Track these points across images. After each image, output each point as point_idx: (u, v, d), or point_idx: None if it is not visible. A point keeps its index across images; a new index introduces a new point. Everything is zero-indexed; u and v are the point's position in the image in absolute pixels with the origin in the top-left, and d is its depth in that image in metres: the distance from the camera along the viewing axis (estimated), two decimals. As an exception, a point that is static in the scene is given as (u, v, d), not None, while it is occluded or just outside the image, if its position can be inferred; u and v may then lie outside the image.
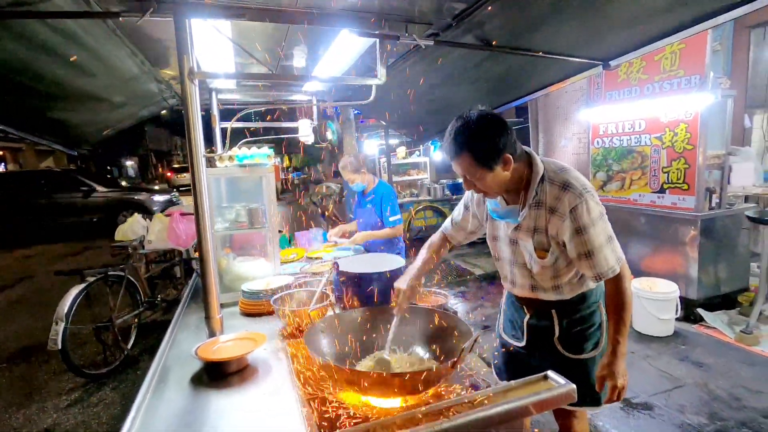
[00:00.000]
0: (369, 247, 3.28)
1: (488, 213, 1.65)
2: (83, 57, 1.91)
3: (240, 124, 3.24)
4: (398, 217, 3.28)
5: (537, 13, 1.80)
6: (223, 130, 3.31)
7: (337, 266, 1.93)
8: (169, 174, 28.12)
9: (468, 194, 1.76)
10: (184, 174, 24.36)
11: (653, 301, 3.68)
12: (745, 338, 3.51)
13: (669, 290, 3.70)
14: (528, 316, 1.69)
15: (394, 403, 1.29)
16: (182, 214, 4.13)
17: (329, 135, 8.96)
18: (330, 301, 1.87)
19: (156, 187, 13.80)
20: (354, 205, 3.68)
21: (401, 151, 9.31)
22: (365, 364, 1.49)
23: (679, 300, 3.69)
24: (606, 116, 4.64)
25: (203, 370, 1.53)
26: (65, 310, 3.16)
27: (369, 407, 1.28)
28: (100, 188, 10.65)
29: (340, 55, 2.31)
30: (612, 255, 1.43)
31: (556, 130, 6.37)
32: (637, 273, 4.12)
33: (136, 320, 4.01)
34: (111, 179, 12.90)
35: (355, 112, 8.15)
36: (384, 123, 6.05)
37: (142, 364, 3.77)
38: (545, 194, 1.44)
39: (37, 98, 2.22)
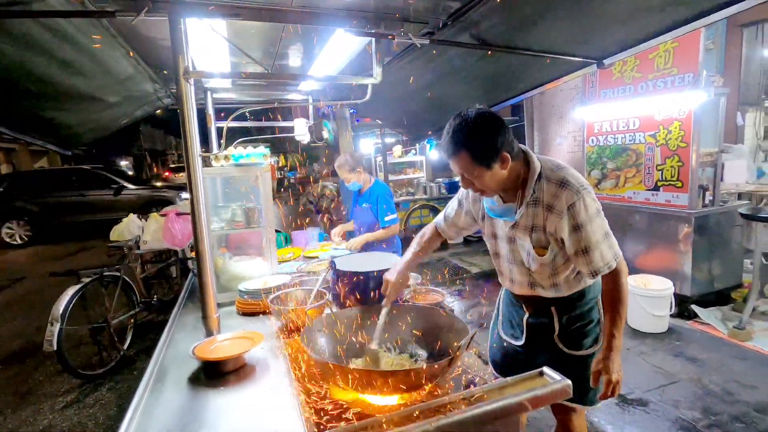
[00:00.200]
0: (366, 246, 3.28)
1: (485, 211, 1.65)
2: (77, 57, 1.90)
3: (236, 124, 3.23)
4: (394, 216, 3.28)
5: (531, 12, 1.81)
6: (219, 130, 3.31)
7: (334, 265, 1.93)
8: (167, 173, 28.31)
9: (462, 190, 1.76)
10: (182, 173, 24.78)
11: (648, 298, 3.71)
12: (738, 334, 3.54)
13: (663, 287, 3.73)
14: (527, 315, 1.70)
15: (391, 400, 1.30)
16: (178, 214, 4.11)
17: (325, 134, 8.94)
18: (327, 299, 1.87)
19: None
20: (351, 204, 3.68)
21: (397, 149, 9.31)
22: (361, 362, 1.50)
23: (673, 297, 3.72)
24: (601, 114, 4.66)
25: (201, 369, 1.53)
26: (60, 311, 3.14)
27: (366, 405, 1.28)
28: (129, 186, 10.74)
29: (336, 54, 2.32)
30: (609, 251, 1.44)
31: (551, 129, 6.39)
32: (632, 270, 4.15)
33: (132, 321, 4.00)
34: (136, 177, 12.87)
35: (351, 111, 8.14)
36: (380, 122, 6.06)
37: (139, 364, 3.75)
38: (542, 192, 1.45)
39: (30, 98, 2.20)
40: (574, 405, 1.64)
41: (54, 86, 2.12)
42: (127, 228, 4.29)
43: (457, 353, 1.29)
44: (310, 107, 3.64)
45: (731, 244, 4.08)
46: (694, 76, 3.72)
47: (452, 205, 1.81)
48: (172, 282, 4.90)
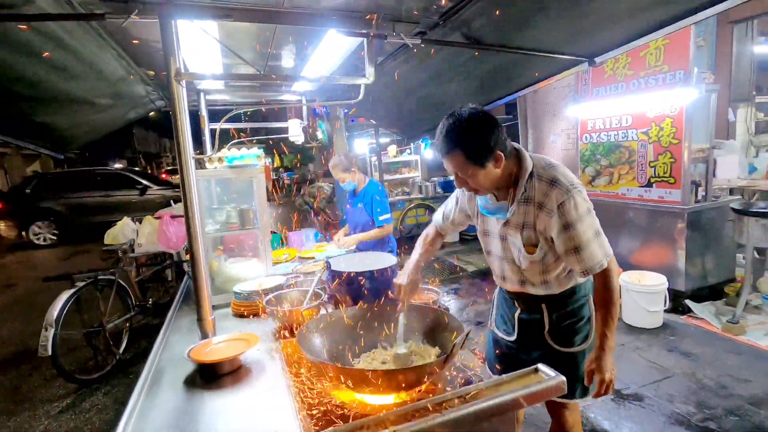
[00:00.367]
0: (361, 246, 3.29)
1: (479, 209, 1.66)
2: (68, 59, 1.89)
3: (229, 125, 3.22)
4: (388, 216, 3.29)
5: (523, 11, 1.82)
6: (212, 131, 3.29)
7: (329, 265, 1.93)
8: (164, 175, 28.59)
9: (458, 189, 1.78)
10: (177, 176, 25.11)
11: (642, 294, 3.74)
12: (731, 328, 3.58)
13: (657, 282, 3.76)
14: (519, 311, 1.71)
15: (387, 399, 1.30)
16: (172, 217, 4.10)
17: (319, 134, 8.94)
18: (322, 300, 1.87)
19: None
20: (345, 204, 3.68)
21: (392, 149, 9.33)
22: (361, 362, 1.50)
23: (667, 292, 3.75)
24: (593, 112, 4.69)
25: (196, 371, 1.53)
26: (55, 316, 3.12)
27: (362, 404, 1.29)
28: (153, 186, 10.80)
29: (329, 54, 2.32)
30: (599, 250, 1.45)
31: (545, 127, 6.42)
32: (626, 266, 4.18)
33: (127, 324, 3.98)
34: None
35: (345, 111, 8.14)
36: (374, 122, 6.06)
37: (135, 368, 3.73)
38: (534, 190, 1.46)
39: (21, 102, 2.18)
40: (565, 401, 1.65)
41: (45, 89, 2.10)
42: (122, 231, 4.27)
43: (453, 351, 1.29)
44: (304, 108, 3.63)
45: (724, 239, 4.12)
46: (685, 73, 3.75)
47: (450, 203, 1.84)
48: (168, 285, 4.87)
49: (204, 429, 1.22)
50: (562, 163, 1.54)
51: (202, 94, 3.10)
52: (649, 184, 4.20)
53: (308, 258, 3.06)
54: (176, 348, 1.76)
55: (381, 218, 3.26)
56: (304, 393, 1.34)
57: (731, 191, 4.70)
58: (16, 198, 10.03)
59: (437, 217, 1.89)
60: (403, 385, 1.25)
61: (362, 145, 9.88)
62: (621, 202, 4.47)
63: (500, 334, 1.81)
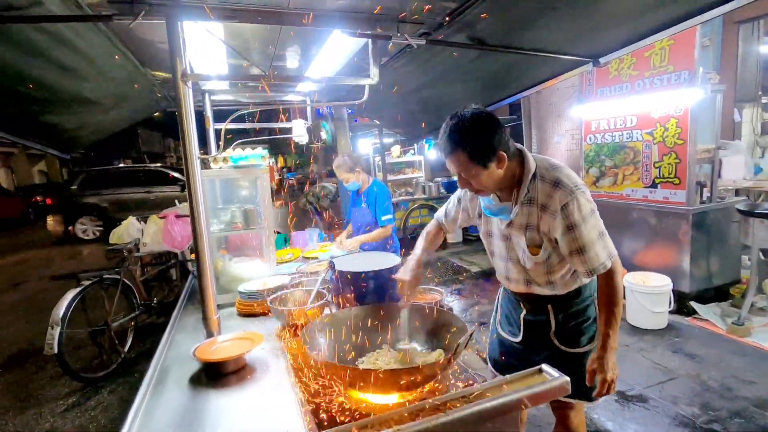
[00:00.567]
0: (365, 246, 3.29)
1: (481, 209, 1.66)
2: (75, 60, 1.90)
3: (234, 125, 3.24)
4: (390, 216, 3.29)
5: (527, 12, 1.82)
6: (217, 132, 3.31)
7: (333, 265, 1.94)
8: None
9: (460, 189, 1.78)
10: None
11: (646, 295, 3.73)
12: (736, 330, 3.56)
13: (662, 284, 3.75)
14: (524, 312, 1.71)
15: (391, 399, 1.30)
16: (177, 216, 4.12)
17: (323, 135, 8.96)
18: (326, 300, 1.88)
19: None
20: (348, 204, 3.68)
21: (395, 149, 9.33)
22: (365, 362, 1.51)
23: (672, 293, 3.74)
24: (598, 112, 4.68)
25: (202, 370, 1.54)
26: (61, 315, 3.15)
27: (366, 403, 1.29)
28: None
29: (333, 55, 2.32)
30: (603, 251, 1.45)
31: (549, 127, 6.41)
32: (631, 267, 4.17)
33: (132, 323, 4.00)
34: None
35: (349, 111, 8.15)
36: (378, 122, 6.06)
37: (140, 367, 3.76)
38: (537, 191, 1.46)
39: (29, 103, 2.21)
40: (571, 401, 1.65)
41: (52, 90, 2.13)
42: (127, 231, 4.29)
43: (456, 351, 1.30)
44: (308, 108, 3.64)
45: (729, 241, 4.10)
46: (690, 74, 3.73)
47: (453, 202, 1.84)
48: (172, 284, 4.90)
49: (209, 427, 1.23)
50: (566, 164, 1.54)
51: (206, 95, 3.11)
52: (653, 185, 4.18)
53: (312, 258, 3.07)
54: (182, 347, 1.77)
55: (384, 218, 3.27)
56: (309, 392, 1.35)
57: (737, 192, 4.67)
58: (63, 194, 10.37)
59: (439, 214, 1.90)
60: (407, 385, 1.25)
61: (366, 146, 9.89)
62: (625, 203, 4.46)
63: (505, 335, 1.81)
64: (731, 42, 5.76)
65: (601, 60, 2.24)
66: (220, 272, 2.37)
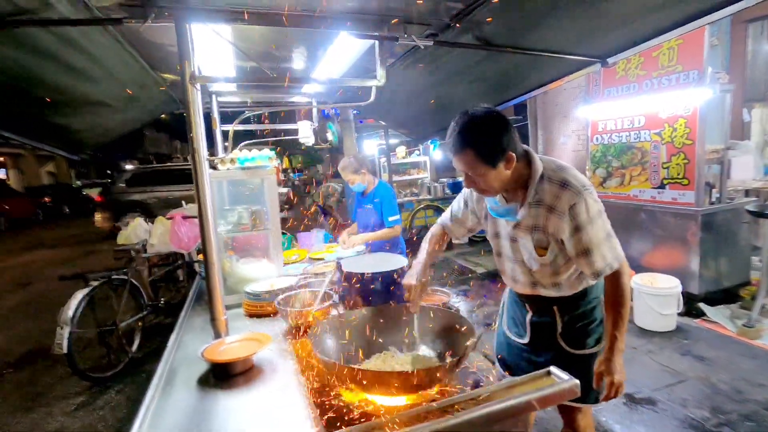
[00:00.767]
0: (372, 248, 3.29)
1: (488, 210, 1.66)
2: (85, 62, 1.92)
3: (241, 127, 3.25)
4: (397, 217, 3.29)
5: (534, 12, 1.81)
6: (224, 133, 3.33)
7: (341, 266, 1.94)
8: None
9: (467, 189, 1.76)
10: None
11: (655, 296, 3.70)
12: (747, 332, 3.52)
13: (670, 285, 3.72)
14: (530, 314, 1.70)
15: (399, 400, 1.30)
16: (184, 217, 4.14)
17: (329, 136, 8.97)
18: (333, 301, 1.88)
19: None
20: (354, 205, 3.69)
21: (401, 150, 9.33)
22: (374, 363, 1.51)
23: (680, 295, 3.70)
24: (605, 113, 4.65)
25: (210, 371, 1.55)
26: (70, 315, 3.18)
27: (374, 405, 1.29)
28: None
29: (340, 56, 2.33)
30: (610, 252, 1.44)
31: (555, 128, 6.37)
32: (639, 268, 4.14)
33: (140, 323, 4.03)
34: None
35: (355, 112, 8.16)
36: (383, 123, 6.07)
37: (147, 367, 3.78)
38: (544, 193, 1.45)
39: (39, 105, 2.23)
40: (578, 404, 1.64)
41: (62, 92, 2.15)
42: (134, 232, 4.32)
43: (465, 353, 1.29)
44: (314, 110, 3.65)
45: (739, 242, 4.06)
46: (698, 73, 3.70)
47: (458, 204, 1.81)
48: (179, 285, 4.93)
49: (218, 428, 1.23)
50: (572, 165, 1.53)
51: (213, 96, 3.13)
52: (662, 186, 4.15)
53: (318, 259, 3.08)
54: (189, 347, 1.78)
55: (390, 219, 3.27)
56: (317, 393, 1.35)
57: (746, 193, 4.62)
58: (110, 191, 10.59)
59: (445, 216, 1.88)
60: (415, 386, 1.25)
61: (371, 146, 9.89)
62: (633, 203, 4.43)
63: (511, 336, 1.81)
64: (740, 41, 5.71)
65: (609, 60, 2.23)
66: (227, 273, 2.37)
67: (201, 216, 1.65)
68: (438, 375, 1.27)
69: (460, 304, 4.98)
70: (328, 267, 2.68)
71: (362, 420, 1.20)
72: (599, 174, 4.79)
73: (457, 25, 1.87)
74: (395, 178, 8.69)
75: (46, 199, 18.01)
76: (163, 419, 1.29)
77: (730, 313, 3.89)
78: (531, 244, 1.52)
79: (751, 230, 3.81)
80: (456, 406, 1.16)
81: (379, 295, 1.82)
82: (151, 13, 1.41)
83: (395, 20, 1.78)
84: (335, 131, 8.95)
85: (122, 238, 4.31)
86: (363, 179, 3.34)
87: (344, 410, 1.27)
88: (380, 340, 1.61)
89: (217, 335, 1.72)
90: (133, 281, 3.89)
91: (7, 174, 21.24)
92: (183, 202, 4.80)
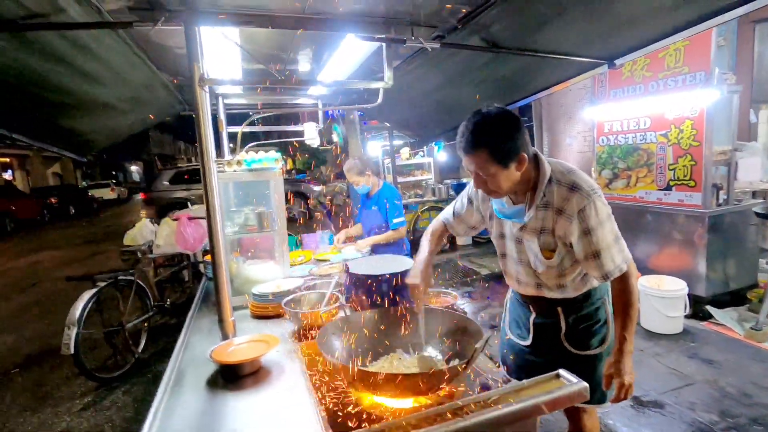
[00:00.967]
0: (375, 250, 3.29)
1: (493, 211, 1.65)
2: (94, 66, 1.94)
3: (248, 129, 3.27)
4: (402, 219, 3.29)
5: (541, 14, 1.81)
6: (230, 135, 3.34)
7: (347, 268, 1.94)
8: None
9: (472, 187, 1.75)
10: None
11: (661, 299, 3.67)
12: (754, 335, 3.49)
13: (677, 287, 3.69)
14: (534, 315, 1.70)
15: (407, 403, 1.30)
16: (190, 218, 4.16)
17: (335, 137, 9.00)
18: (340, 303, 1.88)
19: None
20: (358, 207, 3.69)
21: (405, 151, 9.33)
22: (381, 365, 1.51)
23: (687, 297, 3.68)
24: (611, 114, 4.63)
25: (218, 372, 1.55)
26: (77, 315, 3.19)
27: (383, 407, 1.29)
28: None
29: (346, 58, 2.33)
30: (619, 254, 1.44)
31: (560, 129, 6.36)
32: (645, 271, 4.11)
33: (146, 324, 4.05)
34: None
35: (359, 113, 8.17)
36: (388, 124, 6.07)
37: (153, 367, 3.80)
38: (553, 195, 1.45)
39: (49, 107, 2.25)
40: (583, 405, 1.63)
41: (72, 95, 2.17)
42: (140, 233, 4.35)
43: (473, 356, 1.29)
44: (320, 111, 3.66)
45: (746, 244, 4.03)
46: (705, 74, 3.68)
47: (461, 202, 1.79)
48: (185, 285, 4.95)
49: (227, 428, 1.24)
50: (578, 166, 1.53)
51: (220, 98, 3.15)
52: (668, 187, 4.13)
53: (323, 260, 3.08)
54: (197, 348, 1.78)
55: (395, 221, 3.27)
56: (325, 395, 1.35)
57: (754, 194, 4.58)
58: (154, 189, 11.05)
59: (446, 213, 1.86)
60: (423, 388, 1.25)
61: (375, 148, 9.90)
62: (639, 205, 4.40)
63: (514, 338, 1.81)
64: (747, 42, 5.67)
65: (617, 62, 2.22)
66: (233, 274, 2.38)
67: (209, 218, 1.66)
68: (447, 377, 1.27)
69: (465, 305, 4.99)
70: (334, 268, 2.69)
71: (371, 422, 1.20)
72: (605, 175, 4.77)
73: (464, 27, 1.87)
74: (399, 179, 8.69)
75: (52, 199, 18.14)
76: (173, 420, 1.30)
77: (737, 316, 3.86)
78: (537, 246, 1.52)
79: (759, 232, 3.78)
80: (465, 409, 1.16)
81: (385, 296, 1.81)
82: (161, 17, 1.43)
83: (402, 22, 1.78)
84: (340, 132, 8.96)
85: (128, 239, 4.33)
86: (367, 181, 3.35)
87: (353, 412, 1.27)
88: (387, 342, 1.61)
89: (225, 337, 1.72)
90: (140, 282, 3.92)
91: (13, 175, 21.43)
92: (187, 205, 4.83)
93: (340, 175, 9.45)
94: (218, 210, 1.67)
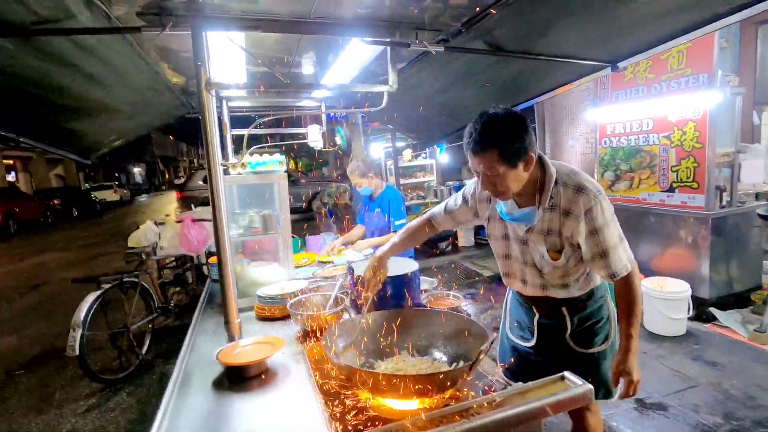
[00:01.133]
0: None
1: (497, 213, 1.66)
2: (100, 69, 1.96)
3: (253, 131, 3.27)
4: (404, 221, 3.30)
5: (545, 17, 1.82)
6: (235, 138, 3.35)
7: (352, 270, 1.95)
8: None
9: (470, 188, 1.77)
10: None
11: (665, 301, 3.67)
12: (758, 337, 3.48)
13: (680, 289, 3.69)
14: (538, 316, 1.71)
15: (412, 404, 1.31)
16: (193, 220, 4.18)
17: (338, 140, 9.01)
18: (345, 305, 1.89)
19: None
20: (361, 209, 3.70)
21: (407, 153, 9.34)
22: (386, 367, 1.51)
23: (690, 299, 3.67)
24: (613, 116, 4.64)
25: (224, 374, 1.56)
26: (82, 317, 3.21)
27: (388, 409, 1.30)
28: (302, 179, 11.76)
29: (350, 61, 2.35)
30: (624, 254, 1.47)
31: (563, 131, 6.36)
32: (648, 273, 4.11)
33: (150, 326, 4.06)
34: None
35: (362, 115, 8.19)
36: (390, 126, 6.09)
37: (157, 369, 3.82)
38: (559, 197, 1.47)
39: (55, 110, 2.27)
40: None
41: (78, 98, 2.19)
42: (145, 234, 4.37)
43: (479, 358, 1.30)
44: (323, 114, 3.68)
45: (750, 246, 4.02)
46: (708, 77, 3.68)
47: (456, 200, 1.81)
48: (188, 287, 4.97)
49: (234, 430, 1.25)
50: (581, 168, 1.56)
51: (224, 101, 3.16)
52: (671, 189, 4.13)
53: (327, 262, 3.09)
54: (203, 350, 1.80)
55: (398, 223, 3.28)
56: (330, 397, 1.36)
57: (757, 196, 4.58)
58: (188, 189, 11.40)
59: (437, 209, 1.87)
60: (429, 390, 1.26)
61: (378, 149, 9.92)
62: (642, 207, 4.40)
63: (516, 340, 1.81)
64: (750, 43, 5.67)
65: (620, 64, 2.23)
66: (238, 276, 2.39)
67: (216, 220, 1.67)
68: (452, 379, 1.28)
69: (468, 307, 4.97)
70: (338, 270, 2.70)
71: (376, 424, 1.20)
72: (608, 177, 4.77)
73: (468, 31, 1.88)
74: (402, 181, 8.69)
75: (55, 201, 18.21)
76: (180, 421, 1.31)
77: (741, 318, 3.86)
78: (544, 247, 1.54)
79: (763, 234, 3.78)
80: (471, 410, 1.17)
81: (390, 298, 1.82)
82: (169, 22, 1.44)
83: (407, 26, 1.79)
84: (344, 135, 8.98)
85: (133, 241, 4.36)
86: (370, 183, 3.36)
87: (359, 413, 1.28)
88: (392, 344, 1.62)
89: (231, 338, 1.73)
90: (144, 284, 3.93)
91: (16, 177, 21.51)
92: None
93: (343, 177, 9.47)
94: (224, 212, 1.68)
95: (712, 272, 3.84)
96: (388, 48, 1.88)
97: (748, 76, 5.61)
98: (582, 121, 5.97)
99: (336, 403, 1.33)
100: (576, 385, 1.25)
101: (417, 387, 1.24)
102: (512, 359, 1.83)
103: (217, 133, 1.67)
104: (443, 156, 9.34)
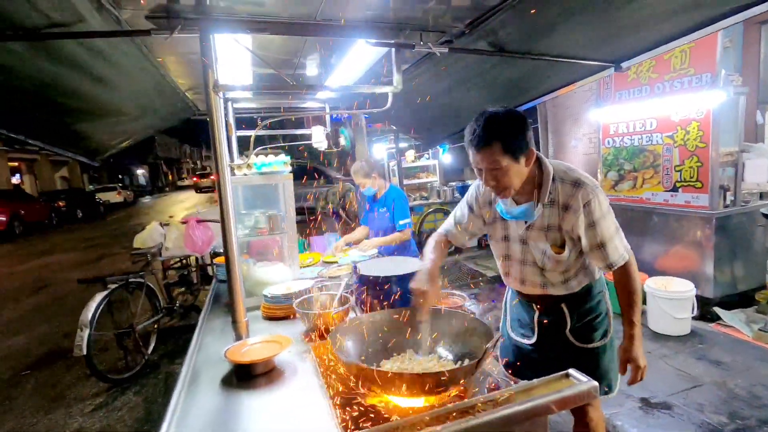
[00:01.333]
0: (382, 251, 3.32)
1: (498, 213, 1.68)
2: (108, 71, 1.98)
3: (259, 132, 3.29)
4: (407, 221, 3.32)
5: (548, 18, 1.83)
6: (241, 139, 3.38)
7: (357, 270, 1.97)
8: (195, 179, 34.67)
9: (471, 194, 1.79)
10: (204, 179, 31.65)
11: (669, 300, 3.67)
12: (763, 336, 3.48)
13: (685, 289, 3.69)
14: (538, 314, 1.74)
15: (418, 402, 1.32)
16: (198, 221, 4.21)
17: (342, 141, 9.03)
18: (351, 304, 1.91)
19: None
20: (365, 210, 3.72)
21: (410, 154, 9.35)
22: (390, 365, 1.53)
23: (695, 299, 3.67)
24: (616, 116, 4.64)
25: (232, 372, 1.58)
26: (89, 317, 3.24)
27: (394, 406, 1.32)
28: (336, 177, 11.31)
29: (355, 63, 2.37)
30: (621, 244, 1.54)
31: (566, 131, 6.37)
32: (652, 272, 4.11)
33: (155, 326, 4.09)
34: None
35: (365, 116, 8.21)
36: (394, 127, 6.10)
37: (163, 368, 3.84)
38: (557, 193, 1.52)
39: (64, 112, 2.30)
40: None
41: (87, 100, 2.21)
42: (150, 235, 4.40)
43: (484, 356, 1.31)
44: (327, 116, 3.70)
45: (754, 245, 4.02)
46: (711, 76, 3.68)
47: (461, 210, 1.82)
48: (193, 288, 4.99)
49: (243, 427, 1.27)
50: (584, 168, 1.61)
51: (230, 103, 3.19)
52: (674, 189, 4.13)
53: (332, 262, 3.11)
54: (210, 349, 1.82)
55: (401, 223, 3.30)
56: (337, 394, 1.38)
57: (761, 195, 4.57)
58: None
59: (448, 224, 1.88)
60: (434, 388, 1.27)
61: (381, 150, 9.94)
62: (645, 207, 4.40)
63: (517, 339, 1.83)
64: (753, 43, 5.65)
65: (623, 64, 2.24)
66: (244, 276, 2.41)
67: (223, 221, 1.69)
68: (457, 377, 1.29)
69: (471, 307, 4.98)
70: (343, 270, 2.72)
71: (383, 421, 1.22)
72: (611, 177, 4.77)
73: (472, 32, 1.89)
74: (405, 181, 8.71)
75: (60, 203, 18.32)
76: (189, 419, 1.32)
77: (745, 317, 3.85)
78: (545, 243, 1.58)
79: (767, 233, 3.77)
80: (476, 407, 1.18)
81: (395, 297, 1.84)
82: (178, 25, 1.46)
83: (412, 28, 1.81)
84: (347, 136, 9.01)
85: (138, 242, 4.38)
86: (374, 183, 3.38)
87: (365, 411, 1.29)
88: (397, 343, 1.63)
89: (239, 337, 1.75)
90: (149, 284, 3.96)
91: (21, 179, 21.64)
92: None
93: (345, 177, 9.48)
94: (232, 213, 1.70)
95: (717, 272, 3.84)
96: (393, 49, 1.90)
97: (752, 75, 5.59)
98: (585, 121, 5.98)
99: (343, 399, 1.35)
100: (580, 382, 1.26)
101: (422, 385, 1.25)
102: (514, 357, 1.85)
103: (225, 134, 1.69)
104: (446, 157, 9.35)
